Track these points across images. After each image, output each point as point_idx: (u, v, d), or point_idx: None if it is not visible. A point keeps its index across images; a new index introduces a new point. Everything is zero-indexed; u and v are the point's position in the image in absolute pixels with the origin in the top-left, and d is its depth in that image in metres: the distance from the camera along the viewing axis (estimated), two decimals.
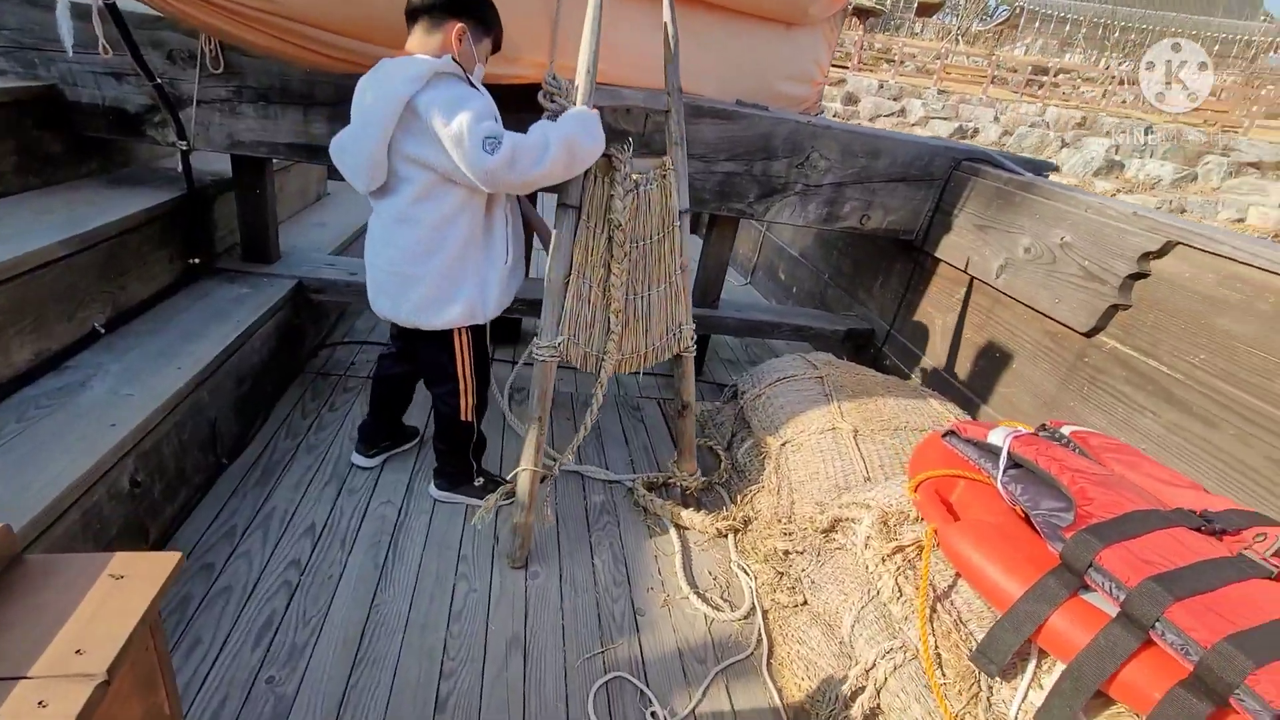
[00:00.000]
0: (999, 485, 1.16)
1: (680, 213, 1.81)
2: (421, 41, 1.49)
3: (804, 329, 2.88)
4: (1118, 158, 16.73)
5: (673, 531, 1.90)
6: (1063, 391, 1.97)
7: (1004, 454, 1.17)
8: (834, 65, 21.13)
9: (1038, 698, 0.95)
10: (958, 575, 1.14)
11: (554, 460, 1.89)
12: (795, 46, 2.71)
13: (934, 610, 1.12)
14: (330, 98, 2.10)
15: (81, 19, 1.66)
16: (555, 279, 1.63)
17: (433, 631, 1.48)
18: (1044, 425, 1.39)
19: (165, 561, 0.66)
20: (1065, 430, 1.32)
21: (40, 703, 0.52)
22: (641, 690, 1.42)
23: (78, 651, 0.56)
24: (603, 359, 1.74)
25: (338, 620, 1.47)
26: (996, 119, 18.77)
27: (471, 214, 1.53)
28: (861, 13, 24.45)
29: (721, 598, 1.71)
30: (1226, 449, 1.51)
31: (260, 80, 2.05)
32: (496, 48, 1.66)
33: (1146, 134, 17.38)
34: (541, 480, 1.71)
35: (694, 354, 1.94)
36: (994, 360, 2.26)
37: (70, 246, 1.68)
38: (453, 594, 1.59)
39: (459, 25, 1.46)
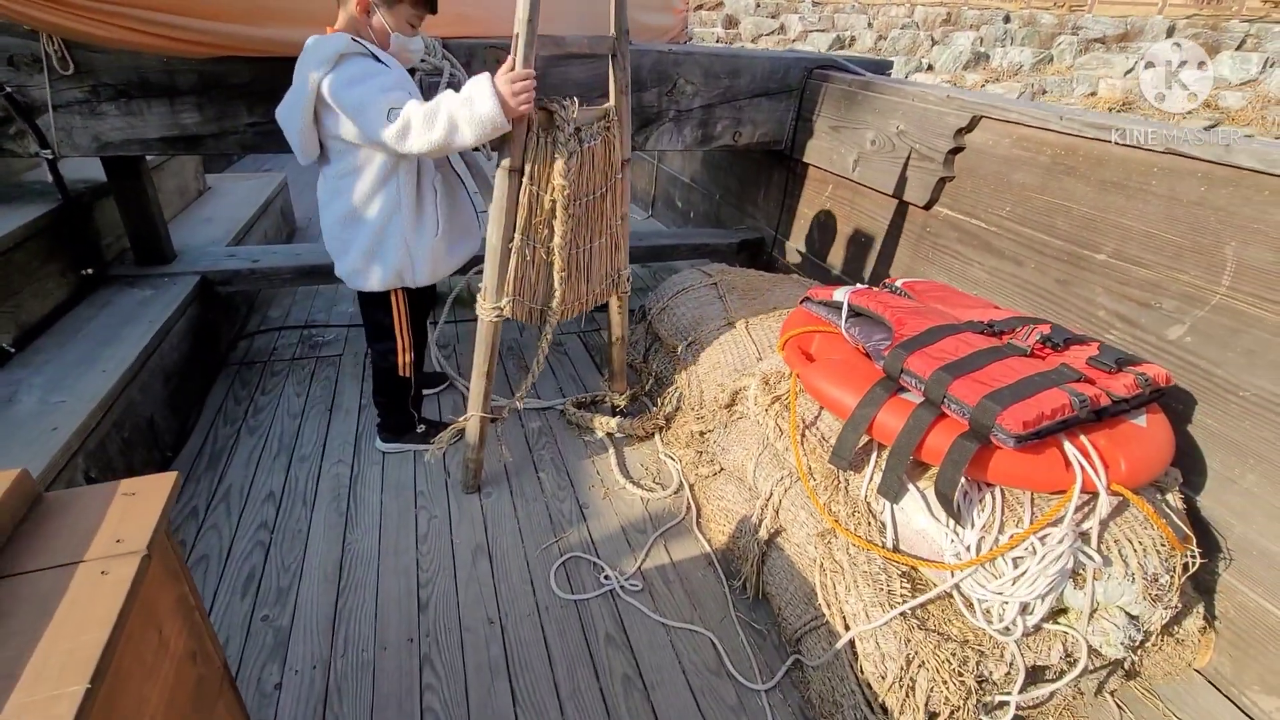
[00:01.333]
0: (843, 332, 1.43)
1: (622, 163, 1.78)
2: (338, 16, 1.58)
3: (701, 246, 3.12)
4: (983, 49, 17.60)
5: (605, 439, 2.14)
6: (915, 259, 2.30)
7: (845, 306, 1.44)
8: None
9: (879, 478, 1.24)
10: (821, 408, 1.42)
11: (502, 404, 2.04)
12: None
13: (804, 436, 1.40)
14: (194, 85, 2.09)
15: None
16: (496, 243, 1.60)
17: (404, 554, 1.67)
18: (884, 282, 1.68)
19: (166, 479, 0.82)
20: (898, 282, 1.62)
21: (103, 572, 0.68)
22: (594, 562, 1.67)
23: (118, 540, 0.72)
24: (547, 313, 1.77)
25: (315, 562, 1.64)
26: (870, 25, 19.22)
27: (396, 188, 1.61)
28: None
29: (654, 482, 1.97)
30: (1030, 280, 1.86)
31: (116, 76, 2.02)
32: (430, 9, 1.65)
33: (1005, 22, 18.31)
34: (493, 422, 1.87)
35: (628, 293, 2.03)
36: (860, 244, 2.57)
37: None
38: (416, 522, 1.78)
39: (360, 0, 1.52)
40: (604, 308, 2.10)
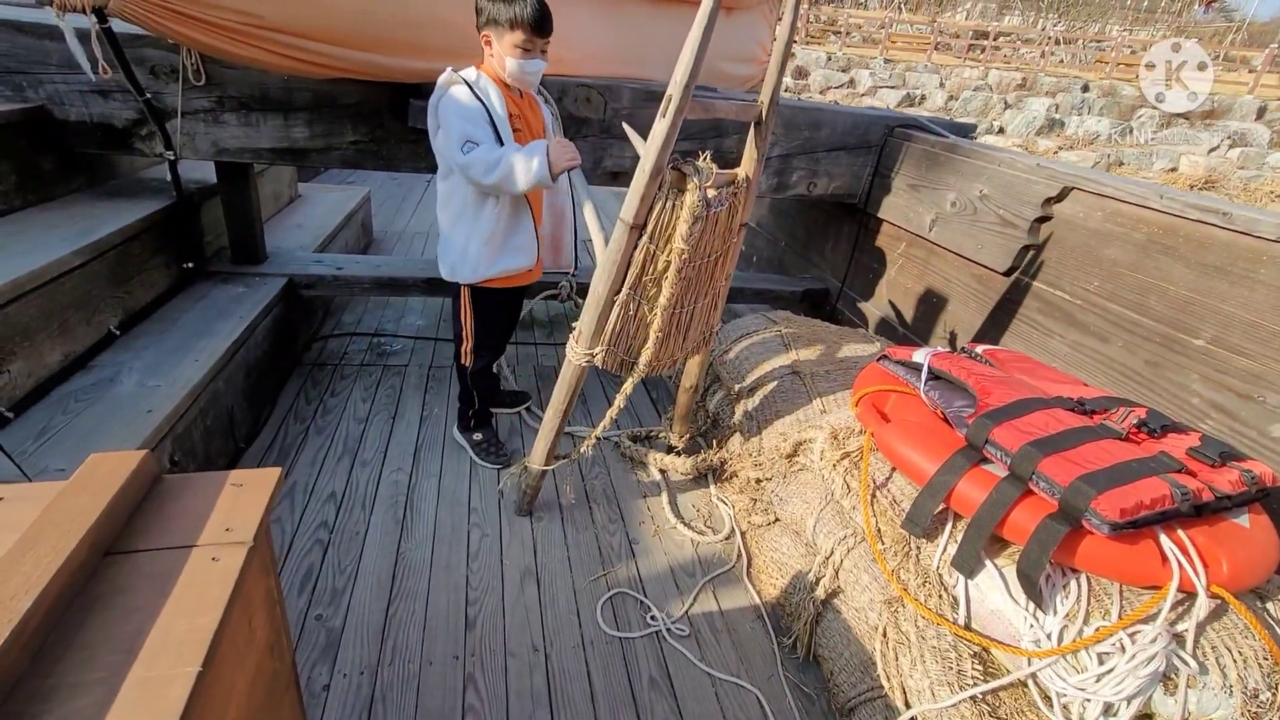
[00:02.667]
0: (922, 394, 1.40)
1: (740, 226, 1.73)
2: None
3: (764, 292, 3.12)
4: (1058, 116, 17.38)
5: (658, 475, 2.13)
6: (990, 326, 2.25)
7: (925, 368, 1.41)
8: None
9: (954, 550, 1.20)
10: (894, 469, 1.39)
11: (572, 438, 2.02)
12: (736, 29, 2.93)
13: (874, 497, 1.37)
14: (308, 102, 2.24)
15: (81, 42, 1.78)
16: (602, 292, 1.52)
17: (455, 570, 1.69)
18: (963, 347, 1.64)
19: (271, 475, 0.86)
20: (979, 349, 1.58)
21: (213, 559, 0.72)
22: (641, 601, 1.65)
23: (227, 529, 0.76)
24: (635, 364, 1.68)
25: (370, 567, 1.67)
26: (941, 85, 19.27)
27: (466, 192, 1.82)
28: None
29: (705, 524, 1.95)
30: (1117, 359, 1.79)
31: (241, 90, 2.18)
32: (537, 32, 1.66)
33: (1084, 91, 18.06)
34: (560, 458, 1.81)
35: (713, 348, 1.99)
36: (932, 305, 2.53)
37: (83, 256, 1.82)
38: (468, 539, 1.80)
39: (483, 34, 1.73)
40: None
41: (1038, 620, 1.11)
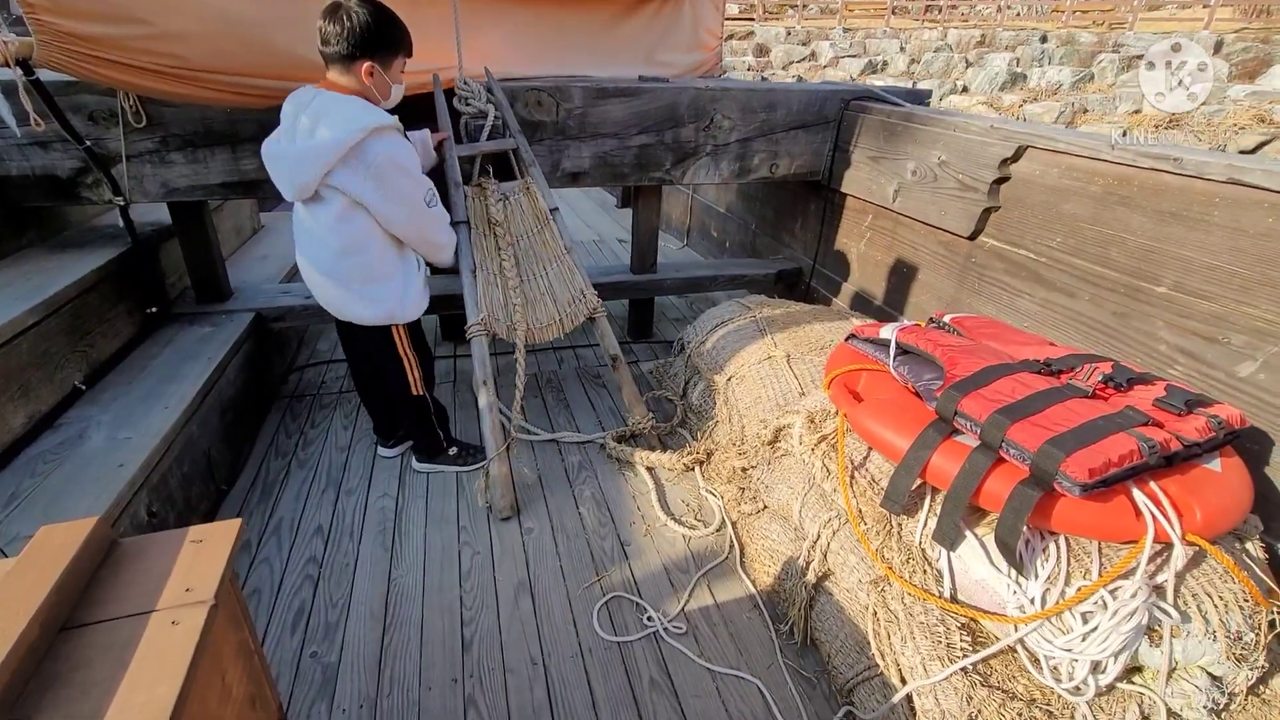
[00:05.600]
0: (892, 370, 1.40)
1: (550, 210, 2.30)
2: (339, 76, 1.64)
3: (738, 277, 3.12)
4: (1020, 70, 17.39)
5: (645, 473, 2.13)
6: (960, 290, 2.25)
7: (892, 344, 1.41)
8: (742, 17, 21.12)
9: (934, 524, 1.20)
10: (870, 448, 1.39)
11: (508, 419, 2.09)
12: (681, 19, 2.91)
13: (853, 478, 1.37)
14: (255, 133, 2.20)
15: (7, 96, 1.74)
16: (465, 273, 2.08)
17: (448, 591, 1.68)
18: (931, 317, 1.65)
19: (231, 526, 0.84)
20: (946, 318, 1.58)
21: (173, 622, 0.70)
22: (636, 603, 1.65)
23: (187, 589, 0.75)
24: (516, 327, 2.13)
25: (362, 598, 1.66)
26: (902, 49, 19.24)
27: (381, 232, 1.73)
28: None
29: (695, 519, 1.95)
30: (1085, 313, 1.80)
31: (184, 127, 2.14)
32: (409, 54, 1.74)
33: (1042, 42, 18.09)
34: (507, 447, 1.96)
35: (605, 314, 2.27)
36: (903, 275, 2.53)
37: (38, 314, 1.78)
38: (459, 558, 1.79)
39: (367, 64, 1.61)
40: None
41: (1020, 586, 1.12)
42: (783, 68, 19.24)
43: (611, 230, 4.87)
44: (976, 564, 1.17)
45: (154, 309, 2.37)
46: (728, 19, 3.10)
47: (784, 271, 3.12)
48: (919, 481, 1.23)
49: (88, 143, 2.00)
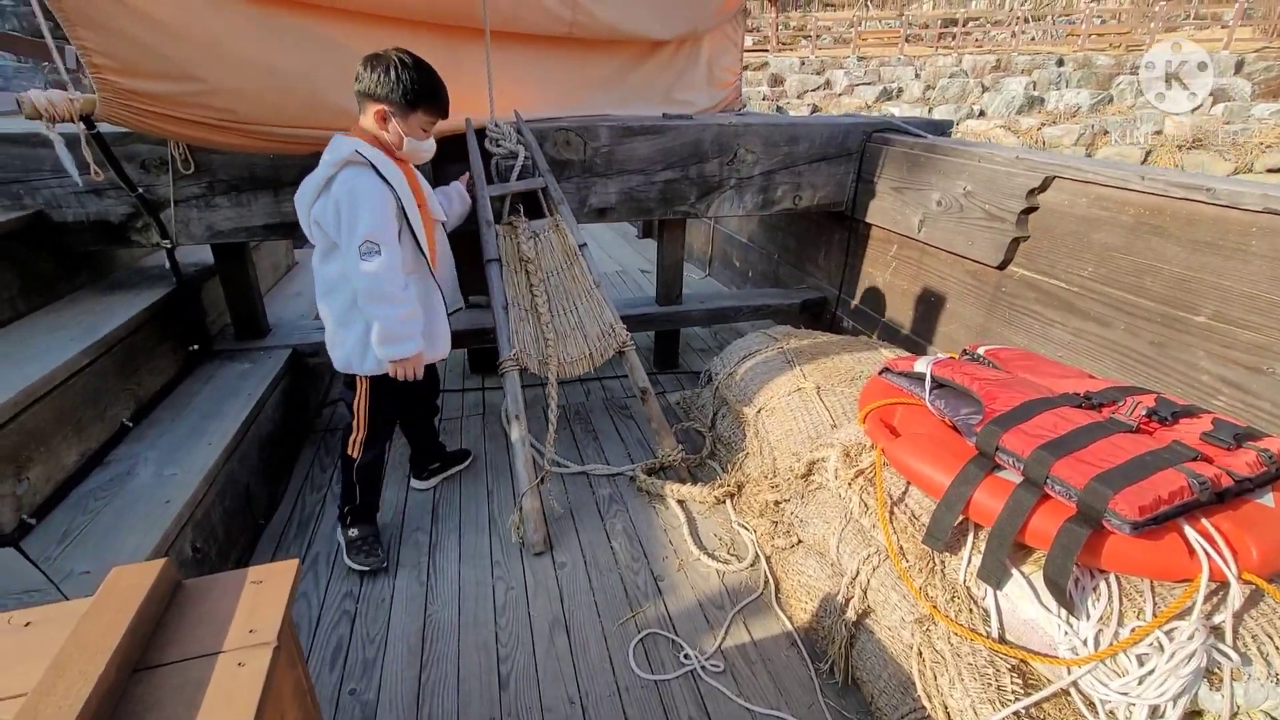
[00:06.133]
0: (928, 404, 1.40)
1: (579, 246, 2.37)
2: (361, 118, 1.68)
3: (763, 308, 3.13)
4: (1036, 93, 17.45)
5: (676, 506, 2.12)
6: (990, 320, 2.25)
7: (927, 378, 1.41)
8: (755, 49, 21.52)
9: (979, 561, 1.19)
10: (909, 483, 1.38)
11: (540, 453, 2.14)
12: (700, 58, 2.99)
13: (892, 513, 1.36)
14: (296, 177, 2.25)
15: (70, 148, 1.83)
16: (498, 310, 2.15)
17: (483, 627, 1.68)
18: (965, 350, 1.64)
19: (289, 567, 0.87)
20: (981, 350, 1.58)
21: (239, 664, 0.72)
22: (672, 640, 1.64)
23: (251, 630, 0.77)
24: (548, 362, 2.19)
25: (398, 634, 1.67)
26: (917, 75, 19.43)
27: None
28: None
29: (728, 553, 1.94)
30: (1121, 342, 1.78)
31: (230, 173, 2.24)
32: (442, 115, 1.72)
33: (1059, 66, 18.15)
34: (540, 481, 1.99)
35: (634, 347, 2.32)
36: (930, 304, 2.53)
37: (90, 354, 1.85)
38: (493, 593, 1.79)
39: (379, 108, 1.61)
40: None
41: (1072, 626, 1.09)
42: (797, 96, 19.52)
43: (633, 260, 4.93)
44: (1025, 603, 1.15)
45: (196, 346, 2.45)
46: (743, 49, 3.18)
47: (809, 301, 3.13)
48: (961, 518, 1.22)
49: (140, 189, 2.10)
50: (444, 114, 1.72)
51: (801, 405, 2.03)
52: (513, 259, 2.29)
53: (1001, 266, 2.15)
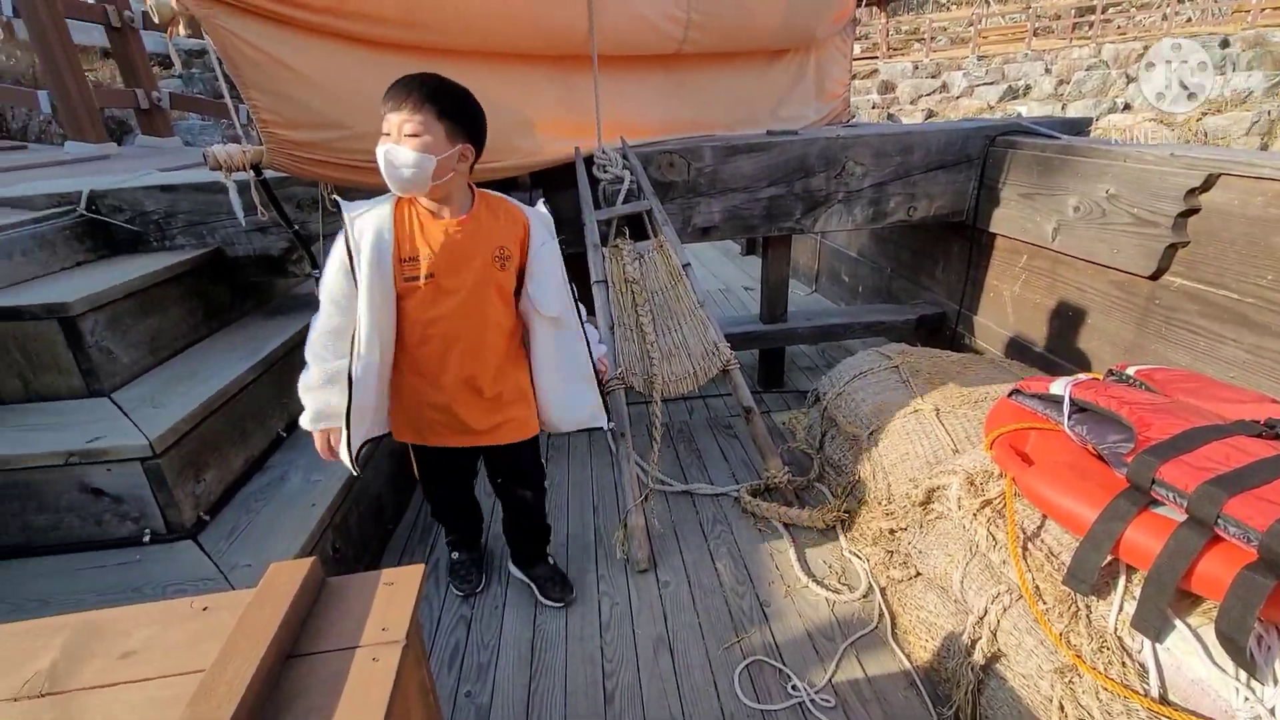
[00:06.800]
0: (1066, 429, 1.27)
1: (683, 266, 2.38)
2: None
3: (875, 324, 3.00)
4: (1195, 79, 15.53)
5: (782, 530, 2.06)
6: (1141, 336, 2.01)
7: (1066, 400, 1.28)
8: (864, 56, 20.83)
9: (1133, 608, 1.05)
10: (1044, 516, 1.26)
11: (645, 471, 2.20)
12: (809, 70, 2.94)
13: (1026, 549, 1.24)
14: None
15: (241, 193, 2.11)
16: (604, 329, 2.22)
17: (589, 640, 1.71)
18: (1111, 370, 1.48)
19: (416, 571, 0.94)
20: (1130, 370, 1.42)
21: (374, 659, 0.79)
22: (779, 669, 1.58)
23: (383, 629, 0.83)
24: (652, 381, 2.20)
25: (510, 641, 1.74)
26: (1048, 70, 17.93)
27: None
28: (881, 1, 24.21)
29: (839, 582, 1.85)
30: None
31: None
32: (391, 107, 1.29)
33: (1223, 47, 16.06)
34: (644, 499, 2.02)
35: (738, 366, 2.29)
36: (1068, 319, 2.31)
37: (256, 371, 2.10)
38: (599, 608, 1.82)
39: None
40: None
41: (1253, 692, 0.94)
42: (910, 102, 18.63)
43: (737, 278, 4.89)
44: (1192, 660, 1.00)
45: None
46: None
47: (926, 317, 2.96)
48: (1110, 558, 1.09)
49: (295, 226, 2.38)
50: (393, 105, 1.27)
51: (919, 428, 1.91)
52: (618, 280, 2.36)
53: (1154, 276, 1.93)
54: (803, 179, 2.62)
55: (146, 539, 1.64)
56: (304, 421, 1.54)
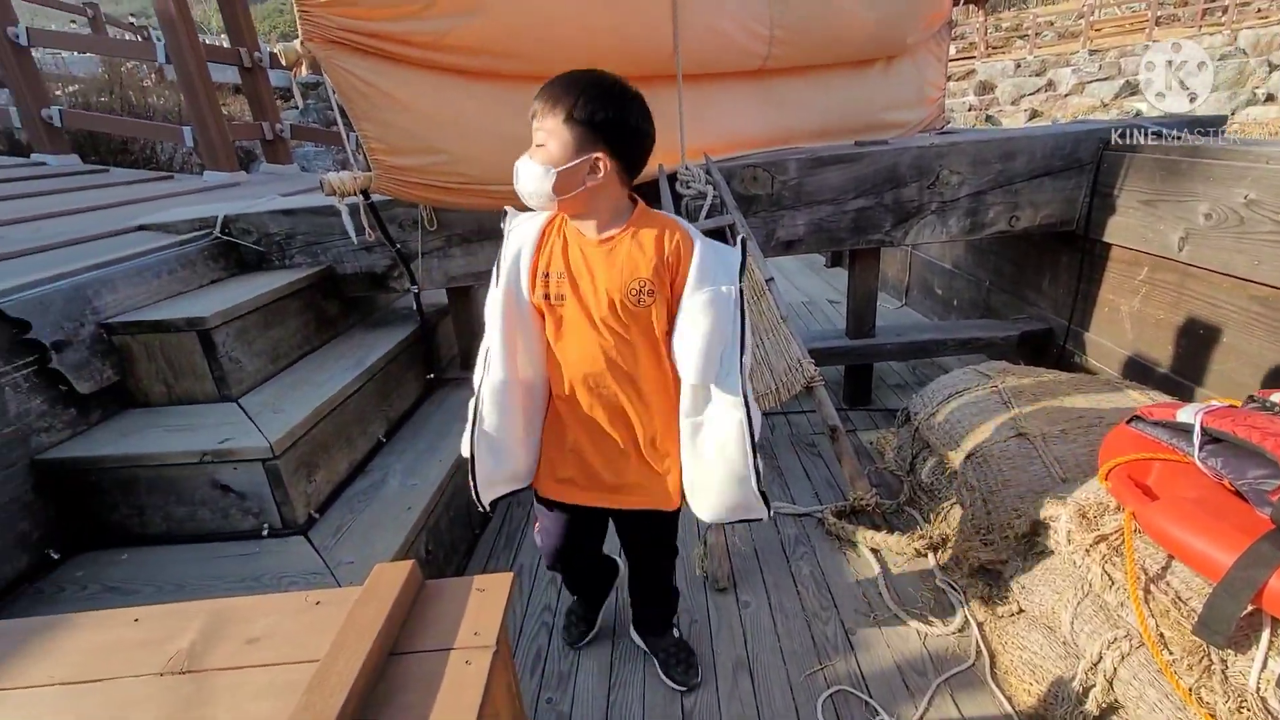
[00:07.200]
0: (1197, 461, 1.15)
1: (766, 281, 2.35)
2: None
3: (971, 340, 2.84)
4: None
5: (869, 555, 1.98)
6: None
7: (1197, 429, 1.16)
8: (960, 57, 19.88)
9: (1279, 666, 0.93)
10: (1170, 556, 1.14)
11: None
12: (901, 77, 2.84)
13: (1148, 592, 1.13)
14: None
15: (351, 215, 2.29)
16: None
17: None
18: (1251, 396, 1.33)
19: (506, 579, 0.97)
20: (1276, 398, 1.27)
21: (466, 661, 0.83)
22: (866, 702, 1.52)
23: (475, 633, 0.87)
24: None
25: (589, 651, 1.76)
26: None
27: None
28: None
29: (931, 613, 1.75)
30: None
31: (463, 228, 2.62)
32: (540, 101, 1.17)
33: None
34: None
35: (822, 382, 2.27)
36: (1197, 338, 2.09)
37: (361, 380, 2.25)
38: (677, 624, 1.81)
39: None
40: None
41: None
42: (1012, 103, 17.58)
43: (821, 291, 4.77)
44: None
45: (432, 375, 2.87)
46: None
47: (1029, 334, 2.77)
48: (1250, 608, 0.98)
49: (398, 245, 2.54)
50: (532, 110, 1.14)
51: (1021, 454, 1.78)
52: None
53: None
54: (893, 189, 2.54)
55: (265, 533, 1.79)
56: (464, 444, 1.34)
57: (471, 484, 1.34)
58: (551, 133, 1.12)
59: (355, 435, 2.21)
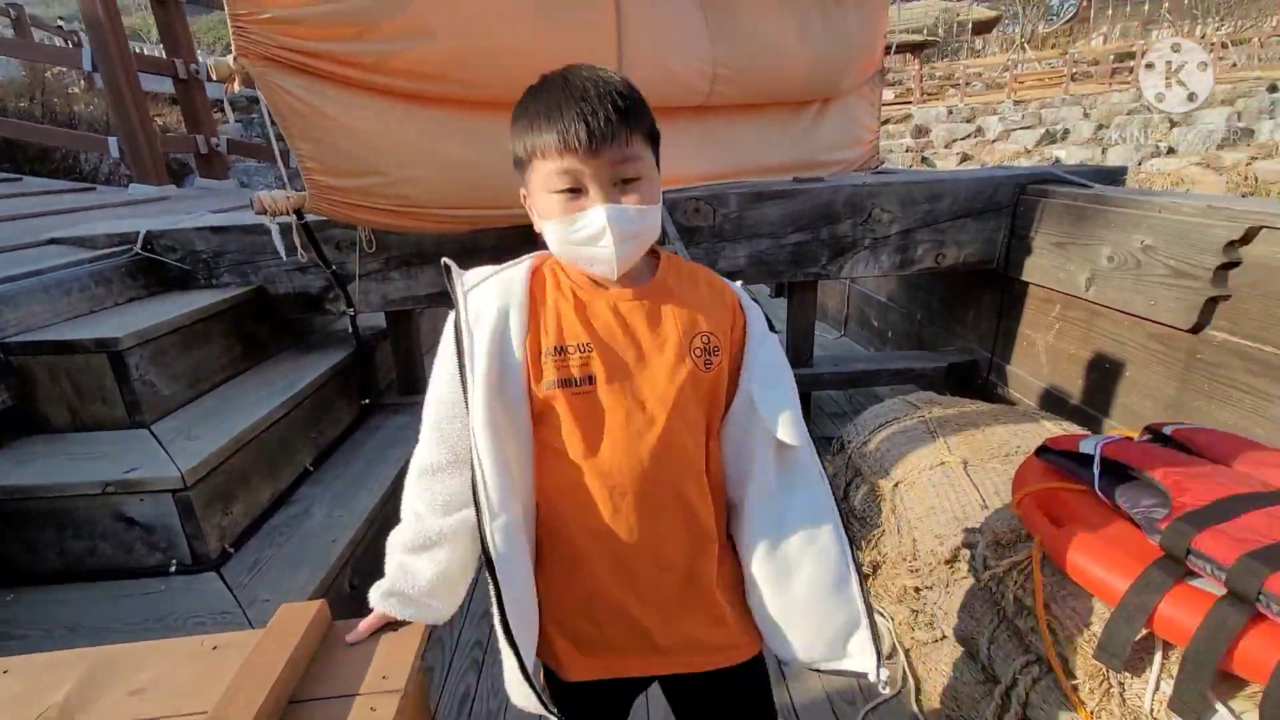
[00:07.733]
0: (1096, 490, 1.22)
1: None
2: None
3: (903, 371, 2.95)
4: (1242, 124, 15.22)
5: None
6: (1184, 392, 1.93)
7: (1096, 460, 1.23)
8: (897, 101, 20.98)
9: (1170, 686, 0.98)
10: (1075, 581, 1.20)
11: None
12: (837, 119, 2.98)
13: (1055, 617, 1.18)
14: (455, 251, 2.48)
15: (283, 235, 2.21)
16: None
17: None
18: (1148, 427, 1.42)
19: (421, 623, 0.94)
20: (1168, 430, 1.36)
21: (371, 708, 0.79)
22: None
23: (384, 676, 0.83)
24: None
25: None
26: (1086, 115, 17.81)
27: None
28: (914, 47, 24.54)
29: None
30: None
31: (402, 250, 2.57)
32: (573, 145, 0.79)
33: (1271, 92, 15.74)
34: None
35: None
36: (1105, 372, 2.23)
37: (287, 407, 2.16)
38: None
39: (520, 190, 0.94)
40: None
41: None
42: (945, 146, 18.64)
43: None
44: None
45: (367, 400, 2.78)
46: (882, 104, 3.11)
47: (957, 365, 2.90)
48: (1145, 632, 1.03)
49: (334, 266, 2.47)
50: (578, 142, 0.76)
51: (946, 481, 1.85)
52: None
53: (1195, 330, 1.86)
54: (829, 225, 2.63)
55: (173, 569, 1.68)
56: (373, 595, 0.92)
57: (528, 684, 0.86)
58: (642, 159, 0.82)
59: (280, 463, 2.12)
